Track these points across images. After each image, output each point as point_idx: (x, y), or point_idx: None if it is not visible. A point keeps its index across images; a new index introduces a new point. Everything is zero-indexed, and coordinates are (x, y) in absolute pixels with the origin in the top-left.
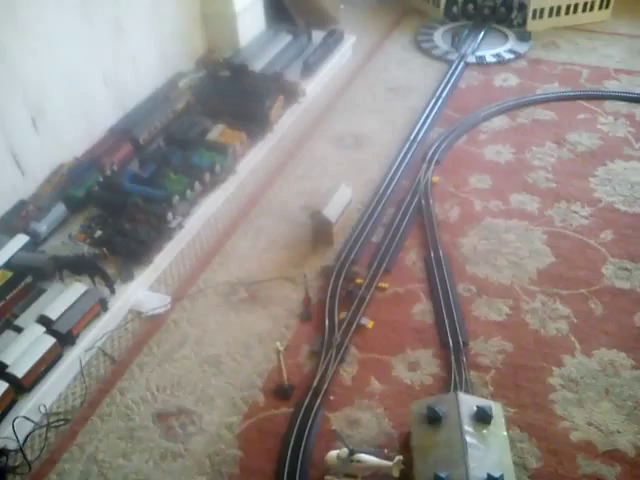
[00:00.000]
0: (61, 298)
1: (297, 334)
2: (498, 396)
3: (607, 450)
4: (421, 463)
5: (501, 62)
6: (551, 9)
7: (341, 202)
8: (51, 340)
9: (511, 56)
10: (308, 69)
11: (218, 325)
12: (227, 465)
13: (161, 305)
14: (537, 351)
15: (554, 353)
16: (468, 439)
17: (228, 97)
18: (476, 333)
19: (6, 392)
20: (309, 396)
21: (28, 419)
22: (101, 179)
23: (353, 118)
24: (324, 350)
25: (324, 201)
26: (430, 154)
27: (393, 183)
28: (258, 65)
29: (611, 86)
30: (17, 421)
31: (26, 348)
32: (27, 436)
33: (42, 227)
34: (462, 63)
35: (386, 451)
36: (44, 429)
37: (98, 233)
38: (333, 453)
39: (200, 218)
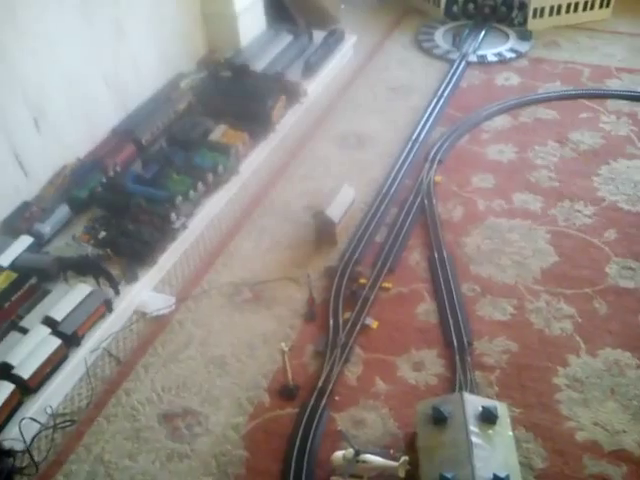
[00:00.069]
0: (66, 299)
1: (301, 334)
2: (503, 396)
3: (613, 450)
4: (427, 463)
5: (502, 61)
6: (552, 8)
7: (344, 202)
8: (57, 341)
9: (512, 55)
10: (309, 69)
11: (223, 326)
12: (233, 466)
13: (165, 306)
14: (542, 351)
15: (559, 353)
16: (474, 439)
17: (230, 97)
18: (480, 333)
19: (12, 393)
20: (314, 396)
21: (34, 420)
22: (104, 180)
23: (355, 118)
24: (329, 350)
25: (327, 201)
26: (433, 154)
27: (396, 183)
28: (259, 65)
29: (613, 85)
30: (24, 422)
31: (32, 349)
32: (34, 437)
33: (46, 228)
34: (463, 62)
35: (392, 451)
36: (50, 430)
37: (102, 234)
38: (339, 453)
39: (203, 219)
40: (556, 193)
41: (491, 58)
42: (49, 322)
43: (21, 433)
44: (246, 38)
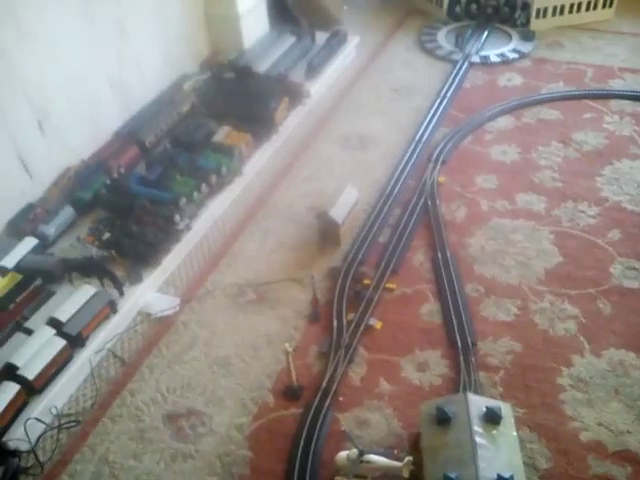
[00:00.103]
0: (70, 300)
1: (305, 335)
2: (507, 396)
3: (617, 450)
4: (431, 464)
5: (505, 62)
6: (554, 8)
7: (347, 203)
8: (61, 342)
9: (515, 56)
10: (312, 70)
11: (227, 326)
12: (237, 466)
13: (170, 307)
14: (546, 351)
15: (563, 353)
16: (478, 440)
17: (233, 99)
18: (484, 333)
19: (18, 394)
20: (318, 397)
21: (39, 420)
22: (108, 182)
23: (358, 119)
24: (333, 351)
25: (330, 202)
26: (436, 154)
27: (399, 183)
28: (262, 67)
29: (616, 85)
30: (29, 423)
31: (37, 350)
32: (39, 437)
33: (50, 230)
34: (466, 63)
35: (396, 452)
36: (55, 430)
37: (106, 235)
38: (343, 454)
39: (207, 220)
40: (560, 193)
41: (494, 59)
42: (54, 323)
43: (26, 433)
44: (249, 40)
